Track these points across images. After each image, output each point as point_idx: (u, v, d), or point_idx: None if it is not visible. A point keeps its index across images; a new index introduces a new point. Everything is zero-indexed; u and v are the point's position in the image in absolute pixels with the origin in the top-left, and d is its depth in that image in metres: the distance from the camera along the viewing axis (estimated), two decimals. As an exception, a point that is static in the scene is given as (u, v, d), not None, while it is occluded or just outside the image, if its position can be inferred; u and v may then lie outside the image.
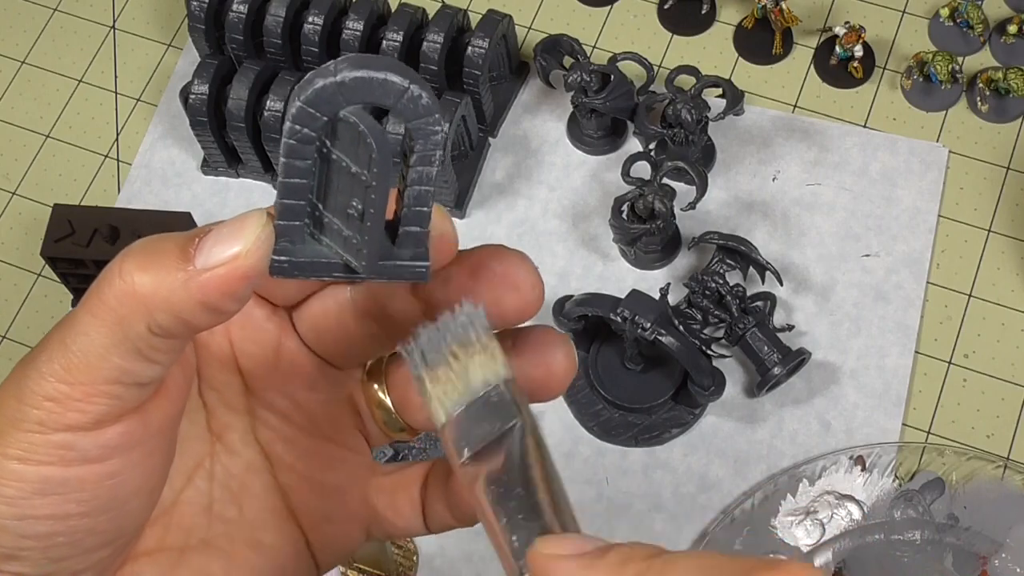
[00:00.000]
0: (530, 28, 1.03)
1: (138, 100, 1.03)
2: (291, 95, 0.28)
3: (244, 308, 0.29)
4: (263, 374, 0.34)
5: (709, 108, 0.90)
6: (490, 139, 0.98)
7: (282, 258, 0.29)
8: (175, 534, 0.32)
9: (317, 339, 0.33)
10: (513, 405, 0.30)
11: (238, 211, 1.08)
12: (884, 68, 0.98)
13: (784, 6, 0.95)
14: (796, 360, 0.85)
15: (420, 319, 0.31)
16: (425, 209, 0.29)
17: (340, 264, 0.29)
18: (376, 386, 0.35)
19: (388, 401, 0.34)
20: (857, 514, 0.83)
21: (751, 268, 0.89)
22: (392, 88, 0.27)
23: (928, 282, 0.90)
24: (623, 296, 0.82)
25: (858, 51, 0.95)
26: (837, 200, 0.93)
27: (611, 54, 0.95)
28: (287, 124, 0.27)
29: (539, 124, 0.98)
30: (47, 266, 0.93)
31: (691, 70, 0.92)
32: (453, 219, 1.04)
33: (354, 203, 0.28)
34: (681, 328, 0.84)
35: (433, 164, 0.28)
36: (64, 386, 0.28)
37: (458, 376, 0.30)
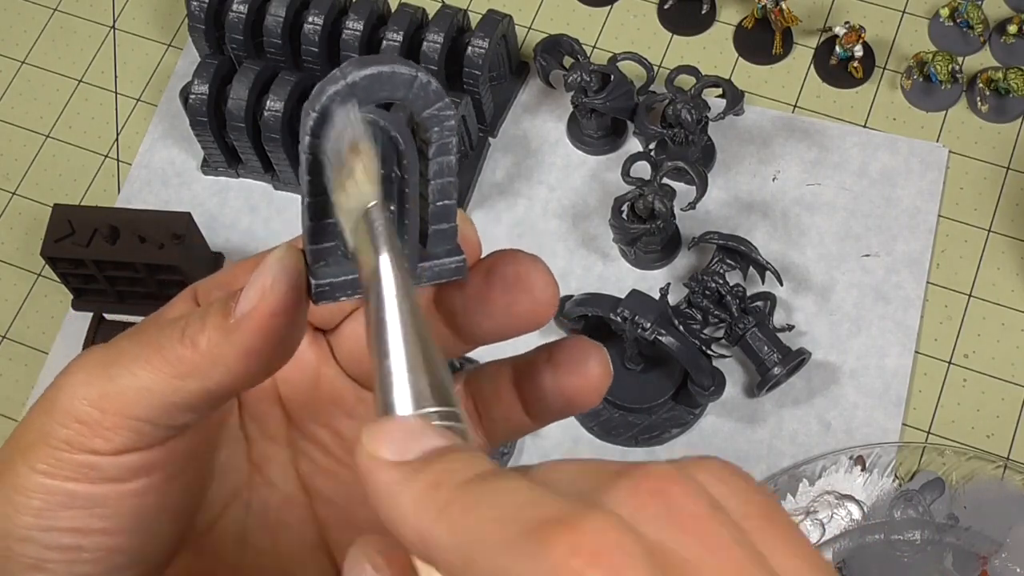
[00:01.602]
0: (530, 28, 1.03)
1: (138, 100, 1.03)
2: (304, 108, 0.27)
3: None
4: (304, 402, 0.34)
5: (709, 108, 0.90)
6: (490, 139, 0.98)
7: (323, 282, 0.28)
8: (206, 561, 0.32)
9: (353, 363, 0.33)
10: (362, 246, 0.27)
11: (238, 211, 1.09)
12: (884, 68, 0.98)
13: (784, 6, 0.95)
14: (796, 360, 0.85)
15: (444, 329, 0.31)
16: (450, 202, 0.28)
17: None
18: None
19: None
20: (857, 514, 0.83)
21: (751, 268, 0.89)
22: (401, 79, 0.27)
23: (928, 282, 0.90)
24: (623, 296, 0.82)
25: (858, 51, 0.95)
26: (837, 200, 0.93)
27: (611, 54, 0.95)
28: (305, 139, 0.27)
29: (539, 124, 0.98)
30: (47, 266, 0.93)
31: (691, 70, 0.92)
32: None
33: (388, 207, 0.28)
34: (681, 328, 0.84)
35: (451, 152, 0.28)
36: (96, 412, 0.28)
37: (344, 204, 0.27)
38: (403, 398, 0.25)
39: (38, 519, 0.28)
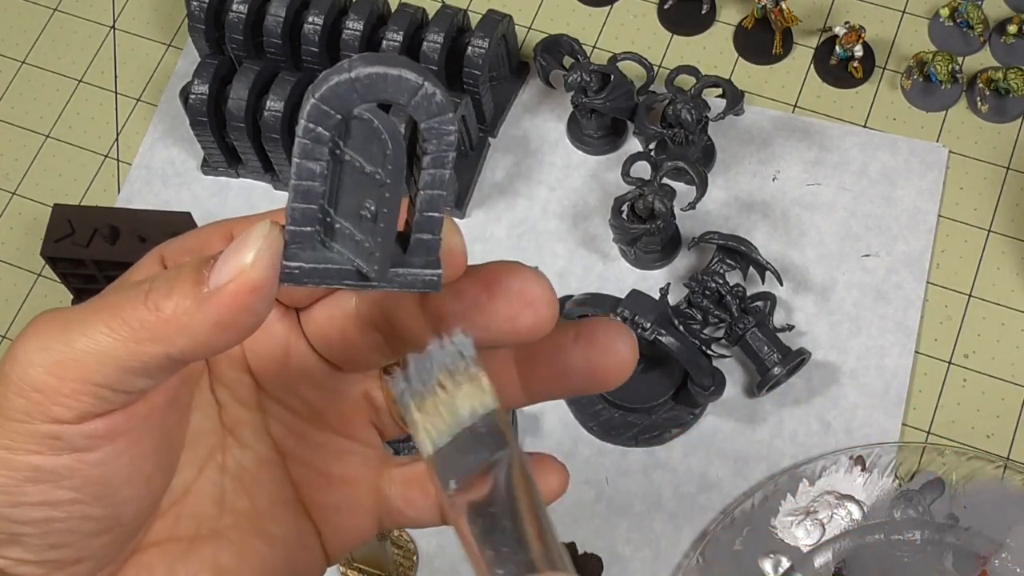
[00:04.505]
0: (530, 28, 1.03)
1: (138, 100, 1.03)
2: (305, 94, 0.27)
3: None
4: (272, 373, 0.34)
5: (709, 108, 0.90)
6: (490, 139, 0.98)
7: (293, 264, 0.28)
8: (185, 524, 0.33)
9: (323, 344, 0.33)
10: (500, 435, 0.29)
11: (238, 211, 1.09)
12: (884, 68, 0.98)
13: (784, 6, 0.96)
14: (796, 360, 0.85)
15: (427, 333, 0.31)
16: (437, 215, 0.28)
17: (352, 271, 0.29)
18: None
19: None
20: (857, 514, 0.83)
21: (751, 268, 0.89)
22: (406, 85, 0.27)
23: (928, 282, 0.90)
24: (623, 296, 0.82)
25: (858, 51, 0.95)
26: (837, 200, 0.93)
27: (611, 54, 0.95)
28: (301, 123, 0.27)
29: (539, 124, 0.98)
30: (47, 266, 0.93)
31: (691, 70, 0.92)
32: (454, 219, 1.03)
33: (367, 204, 0.28)
34: (681, 328, 0.84)
35: (446, 166, 0.28)
36: (53, 379, 0.28)
37: (446, 407, 0.29)
38: (549, 561, 0.28)
39: (5, 495, 0.28)
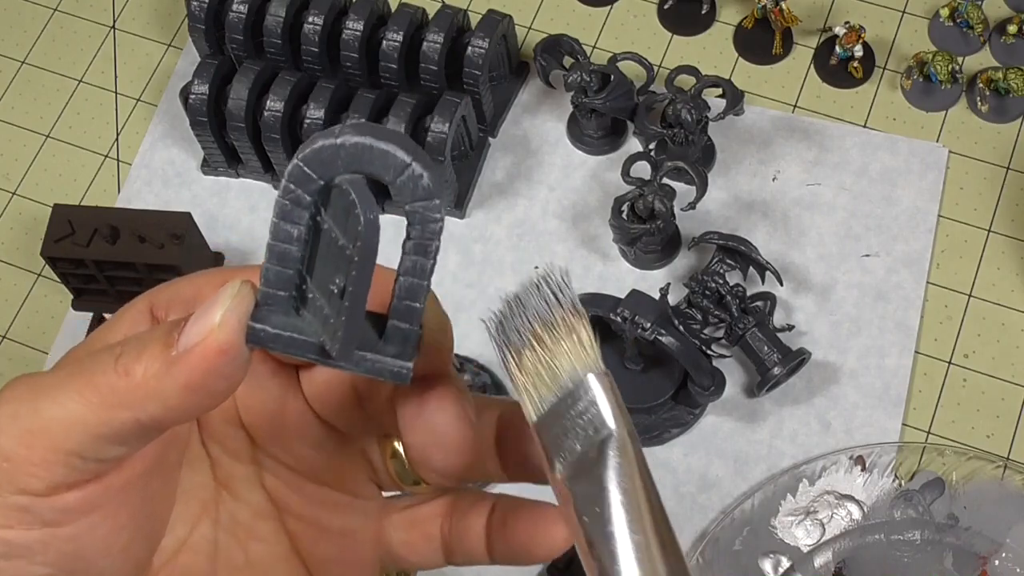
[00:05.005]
0: (530, 28, 1.03)
1: (138, 100, 1.03)
2: (293, 159, 0.26)
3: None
4: (267, 430, 0.33)
5: (709, 108, 0.90)
6: (490, 139, 0.98)
7: (259, 326, 0.27)
8: None
9: (321, 407, 0.32)
10: (606, 408, 0.26)
11: (238, 211, 1.08)
12: (884, 68, 0.98)
13: (784, 6, 0.95)
14: (796, 360, 0.85)
15: (396, 425, 0.30)
16: (416, 305, 0.27)
17: (316, 345, 0.27)
18: (391, 438, 0.34)
19: (403, 454, 0.34)
20: (857, 514, 0.83)
21: (751, 268, 0.89)
22: (392, 161, 0.25)
23: (928, 282, 0.90)
24: (623, 296, 0.82)
25: (858, 51, 0.95)
26: (837, 200, 0.93)
27: (611, 54, 0.95)
28: (282, 183, 0.26)
29: (539, 124, 0.98)
30: (47, 266, 0.93)
31: (691, 70, 0.92)
32: (452, 219, 1.02)
33: (337, 280, 0.26)
34: (681, 328, 0.84)
35: (429, 255, 0.26)
36: (23, 448, 0.27)
37: (544, 365, 0.26)
38: (667, 567, 0.25)
39: None
